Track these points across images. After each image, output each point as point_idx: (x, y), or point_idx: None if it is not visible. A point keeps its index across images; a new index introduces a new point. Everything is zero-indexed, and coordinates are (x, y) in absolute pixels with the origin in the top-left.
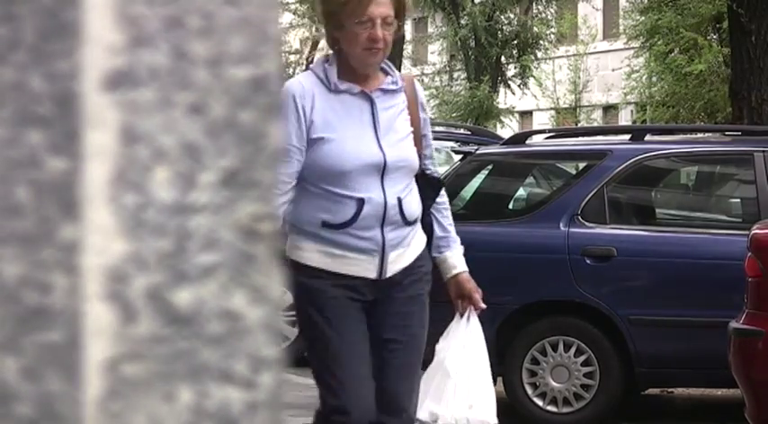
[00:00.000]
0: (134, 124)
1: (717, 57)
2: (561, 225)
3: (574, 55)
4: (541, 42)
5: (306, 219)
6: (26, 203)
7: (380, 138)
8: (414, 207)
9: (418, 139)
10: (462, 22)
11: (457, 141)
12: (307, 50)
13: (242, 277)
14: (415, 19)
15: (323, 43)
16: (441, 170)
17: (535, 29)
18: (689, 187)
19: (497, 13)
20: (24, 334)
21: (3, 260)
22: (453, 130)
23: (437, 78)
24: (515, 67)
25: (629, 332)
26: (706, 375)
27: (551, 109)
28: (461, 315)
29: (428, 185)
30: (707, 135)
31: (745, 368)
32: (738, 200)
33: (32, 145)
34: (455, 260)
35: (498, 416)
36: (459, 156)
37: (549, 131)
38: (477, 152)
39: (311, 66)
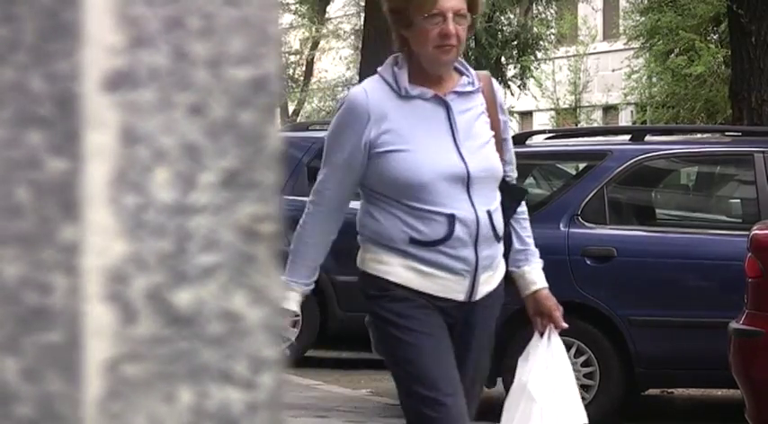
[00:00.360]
0: (134, 125)
1: (716, 58)
2: (561, 225)
3: (574, 55)
4: (541, 43)
5: (390, 235)
6: (26, 204)
7: (460, 146)
8: (501, 220)
9: (499, 144)
10: None
11: None
12: (307, 51)
13: (242, 277)
14: None
15: (323, 43)
16: None
17: (535, 29)
18: (689, 187)
19: (497, 13)
20: (24, 335)
21: (3, 261)
22: None
23: None
24: (515, 68)
25: (629, 333)
26: (706, 376)
27: (551, 109)
28: (541, 334)
29: (509, 194)
30: (707, 135)
31: (745, 369)
32: (738, 201)
33: (32, 146)
34: (534, 275)
35: (497, 416)
36: None
37: (549, 132)
38: None
39: (379, 70)
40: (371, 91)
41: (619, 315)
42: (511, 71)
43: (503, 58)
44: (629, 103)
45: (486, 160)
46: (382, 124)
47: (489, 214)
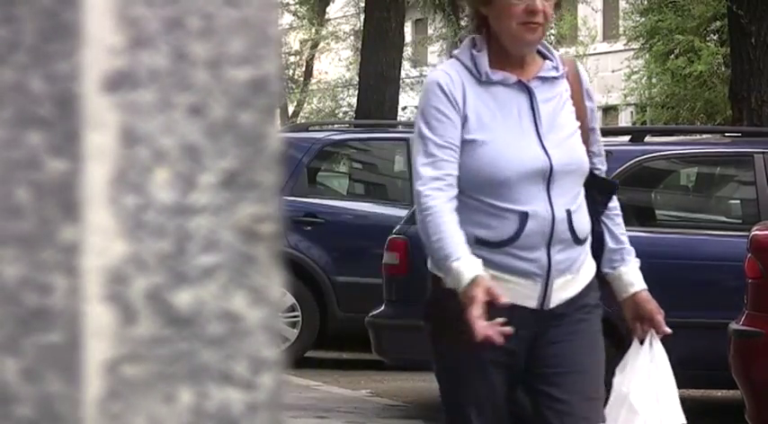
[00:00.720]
0: (134, 125)
1: (715, 58)
2: None
3: (573, 56)
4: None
5: None
6: (26, 204)
7: (543, 138)
8: (585, 221)
9: (585, 135)
10: (462, 23)
11: None
12: (306, 52)
13: (242, 278)
14: (414, 20)
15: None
16: None
17: None
18: (689, 188)
19: None
20: (24, 335)
21: (3, 262)
22: None
23: None
24: None
25: (629, 334)
26: (706, 377)
27: None
28: (641, 341)
29: (598, 188)
30: (707, 136)
31: (745, 369)
32: (738, 202)
33: (32, 147)
34: (631, 276)
35: None
36: None
37: None
38: None
39: (455, 53)
40: (452, 72)
41: (619, 316)
42: None
43: None
44: (628, 104)
45: (572, 153)
46: (465, 109)
47: (569, 213)
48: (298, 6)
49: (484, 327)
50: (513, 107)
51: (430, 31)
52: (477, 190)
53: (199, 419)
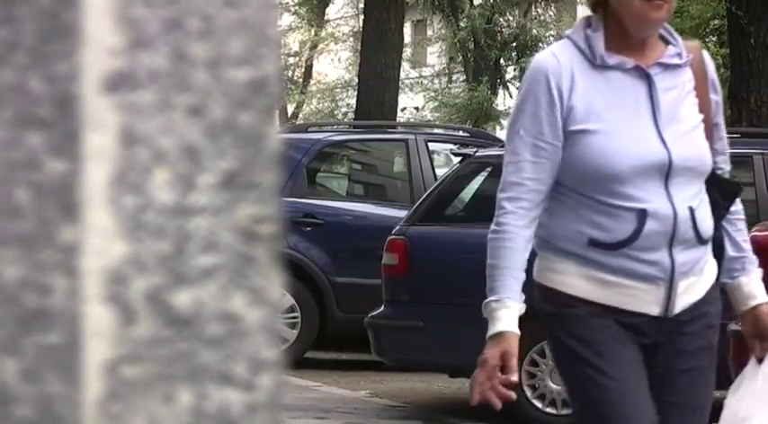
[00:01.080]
0: (134, 126)
1: (714, 59)
2: None
3: None
4: (540, 44)
5: (565, 235)
6: (26, 205)
7: (662, 130)
8: (708, 220)
9: (709, 130)
10: (461, 24)
11: (456, 143)
12: (306, 53)
13: (241, 278)
14: (414, 21)
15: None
16: (439, 172)
17: (534, 31)
18: None
19: (496, 15)
20: (24, 336)
21: (3, 262)
22: (452, 132)
23: (436, 80)
24: (514, 69)
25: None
26: None
27: None
28: (758, 359)
29: (720, 189)
30: None
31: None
32: None
33: (32, 147)
34: (753, 287)
35: (497, 418)
36: (458, 159)
37: None
38: (476, 154)
39: (568, 33)
40: (561, 56)
41: None
42: (510, 72)
43: (502, 60)
44: None
45: (693, 148)
46: (573, 97)
47: (692, 211)
48: (297, 7)
49: (483, 390)
50: (629, 95)
51: (429, 32)
52: (590, 187)
53: (198, 420)
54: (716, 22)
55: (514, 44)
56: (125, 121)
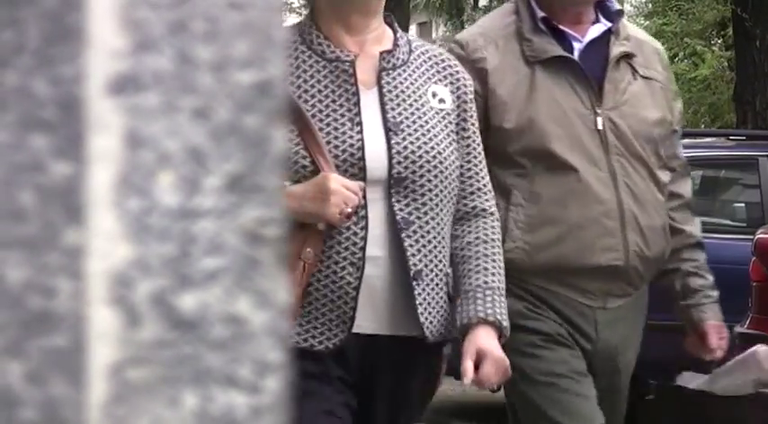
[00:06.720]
0: (138, 128)
1: (720, 62)
2: None
3: None
4: None
5: None
6: (30, 208)
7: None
8: None
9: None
10: (466, 26)
11: None
12: None
13: (247, 281)
14: (418, 23)
15: None
16: None
17: None
18: (693, 191)
19: None
20: (29, 339)
21: (7, 265)
22: None
23: None
24: None
25: None
26: None
27: None
28: None
29: None
30: (711, 139)
31: None
32: (743, 205)
33: (36, 150)
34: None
35: (497, 419)
36: None
37: None
38: None
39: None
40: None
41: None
42: None
43: None
44: None
45: None
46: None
47: None
48: (302, 9)
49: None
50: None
51: (434, 35)
52: None
53: (203, 423)
54: (727, 30)
55: None
56: (130, 124)
